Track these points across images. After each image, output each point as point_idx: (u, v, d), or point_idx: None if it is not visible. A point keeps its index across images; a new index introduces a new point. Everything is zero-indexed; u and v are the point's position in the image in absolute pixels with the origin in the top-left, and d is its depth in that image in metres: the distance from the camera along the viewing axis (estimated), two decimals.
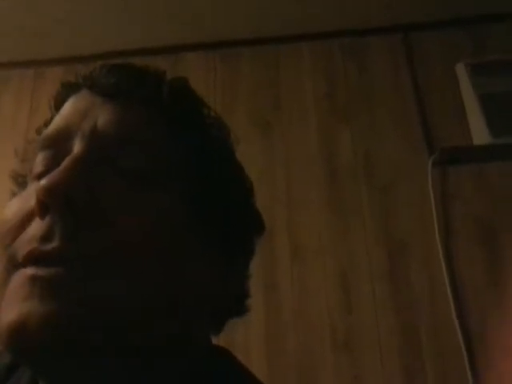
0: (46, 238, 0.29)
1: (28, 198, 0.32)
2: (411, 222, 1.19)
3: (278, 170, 1.28)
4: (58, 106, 0.38)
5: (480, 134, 1.24)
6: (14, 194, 0.38)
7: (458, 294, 1.10)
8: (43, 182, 0.29)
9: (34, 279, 0.29)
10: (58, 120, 0.36)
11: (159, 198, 0.33)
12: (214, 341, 0.41)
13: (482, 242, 1.15)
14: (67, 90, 0.38)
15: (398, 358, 1.07)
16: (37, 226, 0.30)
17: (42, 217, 0.30)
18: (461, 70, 1.32)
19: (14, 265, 0.30)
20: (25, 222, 0.31)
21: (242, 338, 1.09)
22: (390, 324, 1.10)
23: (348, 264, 1.17)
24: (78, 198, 0.30)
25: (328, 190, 1.25)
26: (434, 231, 1.16)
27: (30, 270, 0.29)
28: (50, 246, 0.29)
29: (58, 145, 0.34)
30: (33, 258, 0.29)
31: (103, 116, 0.34)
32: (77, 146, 0.33)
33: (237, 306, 0.40)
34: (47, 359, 0.29)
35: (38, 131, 0.39)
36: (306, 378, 1.08)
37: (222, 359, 0.40)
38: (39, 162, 0.35)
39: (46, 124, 0.38)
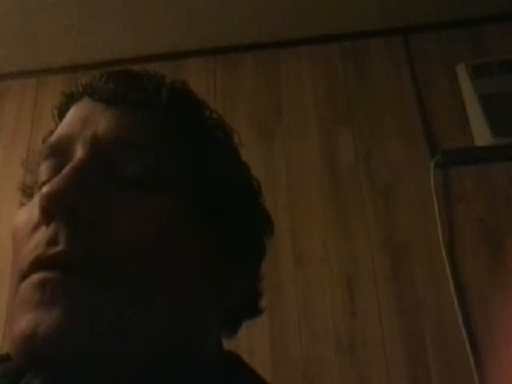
0: (51, 242, 0.30)
1: (34, 207, 0.33)
2: (414, 225, 1.19)
3: (280, 176, 1.28)
4: (60, 115, 0.39)
5: (482, 134, 1.24)
6: (22, 205, 0.38)
7: (463, 295, 1.10)
8: (45, 189, 0.30)
9: (43, 282, 0.29)
10: (60, 129, 0.36)
11: (160, 201, 0.33)
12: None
13: (485, 243, 1.15)
14: (69, 99, 0.39)
15: (403, 361, 1.07)
16: (42, 234, 0.31)
17: (47, 224, 0.30)
18: (461, 71, 1.32)
19: (22, 275, 0.30)
20: (32, 231, 0.32)
21: (246, 342, 1.09)
22: (394, 327, 1.10)
23: (352, 268, 1.17)
24: (79, 203, 0.30)
25: (330, 194, 1.25)
26: (438, 233, 1.15)
27: (37, 276, 0.29)
28: (55, 250, 0.29)
29: (60, 153, 0.34)
30: (39, 263, 0.29)
31: (103, 122, 0.34)
32: (78, 153, 0.33)
33: (247, 306, 0.40)
34: (55, 371, 0.29)
35: (43, 141, 0.39)
36: (310, 381, 1.08)
37: (232, 365, 0.39)
38: (43, 171, 0.35)
39: (51, 134, 0.38)
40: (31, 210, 0.33)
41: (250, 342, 1.10)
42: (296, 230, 1.21)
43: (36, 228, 0.32)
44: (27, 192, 0.39)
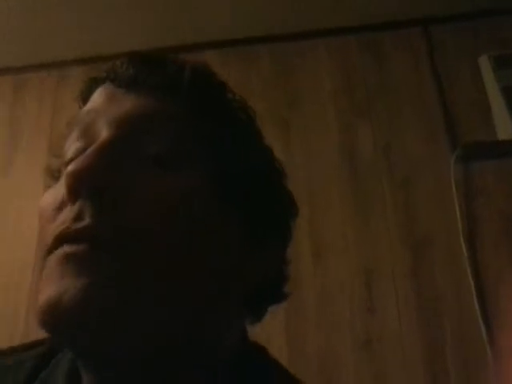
0: (76, 219, 0.30)
1: (60, 188, 0.33)
2: (434, 219, 1.17)
3: (298, 169, 1.27)
4: (84, 100, 0.40)
5: (504, 127, 1.21)
6: (48, 187, 0.39)
7: (483, 290, 1.08)
8: (70, 167, 0.30)
9: (67, 257, 0.30)
10: (84, 112, 0.37)
11: (184, 181, 0.33)
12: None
13: (507, 238, 1.12)
14: (92, 84, 0.39)
15: (422, 357, 1.05)
16: (68, 212, 0.31)
17: (73, 201, 0.31)
18: (484, 62, 1.29)
19: (48, 250, 0.31)
20: (58, 210, 0.33)
21: (263, 334, 1.09)
22: (412, 323, 1.09)
23: (371, 261, 1.15)
24: (104, 181, 0.31)
25: (349, 187, 1.24)
26: (458, 228, 1.13)
27: (61, 250, 0.30)
28: (81, 224, 0.30)
29: (84, 135, 0.35)
30: (65, 237, 0.30)
31: (127, 104, 0.35)
32: (103, 133, 0.34)
33: (272, 290, 0.40)
34: (83, 335, 0.29)
35: (67, 125, 0.40)
36: (327, 376, 1.07)
37: (258, 357, 0.40)
38: (68, 152, 0.36)
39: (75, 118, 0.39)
40: (58, 191, 0.34)
41: (267, 336, 1.10)
42: (315, 223, 1.20)
43: (62, 207, 0.32)
44: (54, 175, 0.39)
